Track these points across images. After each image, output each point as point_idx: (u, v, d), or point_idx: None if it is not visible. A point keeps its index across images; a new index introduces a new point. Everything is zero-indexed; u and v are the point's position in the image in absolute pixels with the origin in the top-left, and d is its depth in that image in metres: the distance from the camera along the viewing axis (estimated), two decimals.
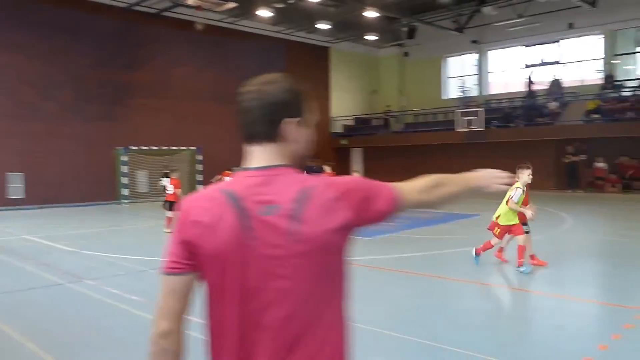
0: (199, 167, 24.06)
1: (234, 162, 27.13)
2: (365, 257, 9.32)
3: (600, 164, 23.02)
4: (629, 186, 22.55)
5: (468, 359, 4.76)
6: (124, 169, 22.18)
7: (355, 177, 1.70)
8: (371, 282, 7.94)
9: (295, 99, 1.64)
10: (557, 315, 6.32)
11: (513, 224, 8.16)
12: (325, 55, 31.23)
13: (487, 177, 1.91)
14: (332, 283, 1.61)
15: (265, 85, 1.62)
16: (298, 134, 1.64)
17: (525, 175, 8.03)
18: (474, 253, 8.65)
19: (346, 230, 1.58)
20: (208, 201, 1.60)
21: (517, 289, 7.70)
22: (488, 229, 8.62)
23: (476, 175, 1.91)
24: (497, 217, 8.33)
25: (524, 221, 8.24)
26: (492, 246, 8.51)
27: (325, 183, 1.59)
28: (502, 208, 8.26)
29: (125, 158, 22.23)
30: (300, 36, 29.03)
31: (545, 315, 6.34)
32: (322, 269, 1.57)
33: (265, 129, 1.61)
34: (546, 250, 10.42)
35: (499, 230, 8.28)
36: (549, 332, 5.55)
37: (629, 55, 26.25)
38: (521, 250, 8.15)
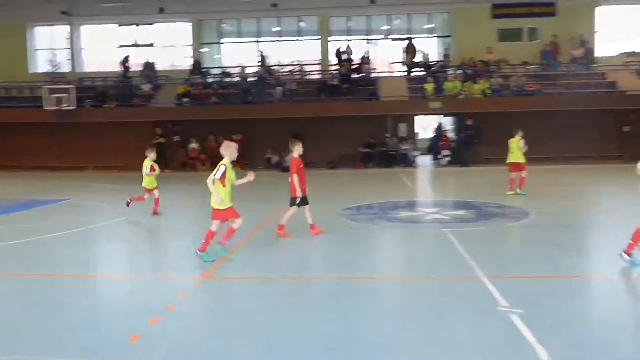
0: None
1: None
2: None
3: (194, 145, 24.57)
4: (216, 163, 24.79)
5: None
6: None
7: None
8: None
9: None
10: (111, 296, 6.09)
11: None
12: None
13: None
14: None
15: None
16: None
17: None
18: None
19: None
20: None
21: (109, 276, 7.17)
22: None
23: None
24: None
25: None
26: None
27: None
28: None
29: None
30: None
31: (104, 298, 6.03)
32: None
33: None
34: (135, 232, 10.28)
35: None
36: (89, 316, 5.25)
37: (215, 45, 28.62)
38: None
